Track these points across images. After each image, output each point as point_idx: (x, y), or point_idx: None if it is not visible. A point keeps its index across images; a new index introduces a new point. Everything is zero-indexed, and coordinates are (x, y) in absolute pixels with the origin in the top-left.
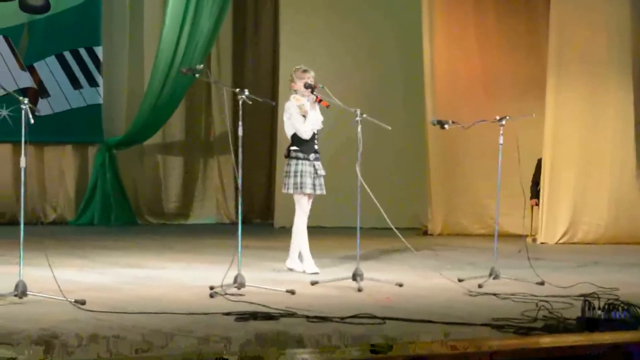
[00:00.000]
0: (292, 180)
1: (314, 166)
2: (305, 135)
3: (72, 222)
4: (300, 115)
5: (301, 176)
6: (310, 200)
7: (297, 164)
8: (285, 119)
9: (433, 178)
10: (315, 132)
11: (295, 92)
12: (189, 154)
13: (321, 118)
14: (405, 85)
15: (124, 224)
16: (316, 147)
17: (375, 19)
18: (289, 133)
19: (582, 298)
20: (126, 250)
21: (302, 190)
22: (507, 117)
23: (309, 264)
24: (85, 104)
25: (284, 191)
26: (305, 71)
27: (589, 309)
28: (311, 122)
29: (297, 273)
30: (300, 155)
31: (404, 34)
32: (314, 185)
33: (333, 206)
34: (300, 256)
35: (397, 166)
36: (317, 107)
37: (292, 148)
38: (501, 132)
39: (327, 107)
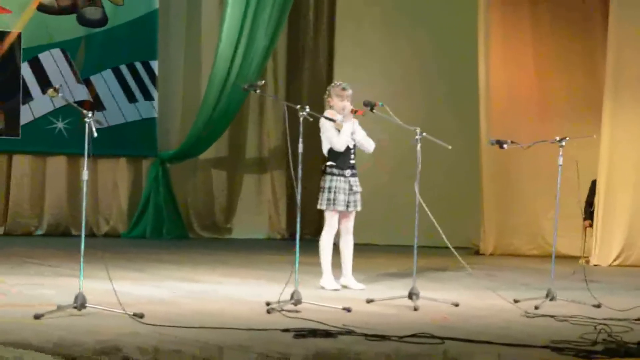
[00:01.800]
0: (325, 196)
1: (349, 182)
2: (339, 146)
3: (125, 234)
4: (334, 129)
5: (335, 192)
6: (352, 217)
7: (331, 180)
8: (321, 135)
9: (486, 198)
10: (351, 147)
11: (331, 107)
12: (242, 168)
13: (363, 133)
14: (457, 103)
15: (175, 237)
16: (352, 162)
17: (429, 36)
18: (325, 148)
19: None
20: (180, 264)
21: (335, 207)
22: (567, 138)
23: (329, 280)
24: (140, 118)
25: (318, 207)
26: (344, 89)
27: None
28: (346, 133)
29: (352, 290)
30: (335, 171)
31: (457, 52)
32: (347, 202)
33: (384, 223)
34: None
35: (449, 184)
36: (352, 121)
37: (328, 163)
38: (561, 152)
39: (363, 114)
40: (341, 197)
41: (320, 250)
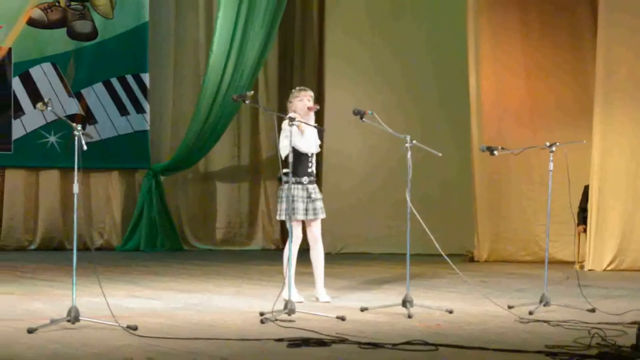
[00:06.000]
0: (283, 206)
1: (307, 190)
2: (307, 147)
3: (119, 247)
4: (298, 133)
5: (293, 201)
6: (316, 225)
7: (288, 189)
8: (281, 139)
9: (479, 204)
10: (310, 155)
11: (294, 112)
12: (236, 179)
13: (319, 141)
14: (448, 111)
15: (169, 249)
16: (310, 169)
17: (418, 45)
18: (283, 154)
19: (635, 325)
20: (174, 275)
21: (294, 216)
22: (557, 143)
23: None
24: (132, 130)
25: (277, 217)
26: (301, 90)
27: None
28: (309, 134)
29: (348, 300)
30: (292, 179)
31: (447, 60)
32: (306, 210)
33: (377, 232)
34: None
35: (442, 192)
36: (309, 127)
37: (284, 171)
38: (551, 158)
39: (317, 108)
40: (300, 206)
41: (284, 262)
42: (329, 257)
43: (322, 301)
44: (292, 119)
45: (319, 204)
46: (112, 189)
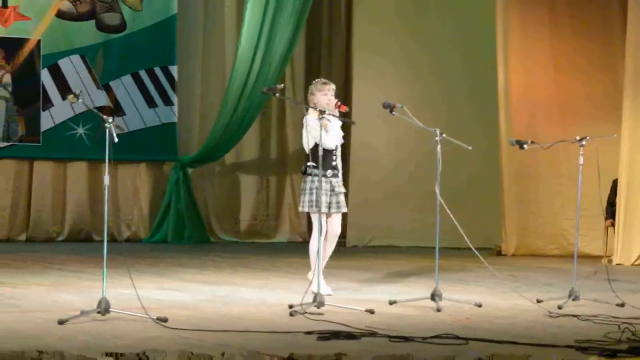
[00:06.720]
0: (306, 198)
1: (330, 183)
2: (330, 143)
3: (146, 239)
4: (321, 128)
5: (316, 194)
6: (336, 219)
7: (312, 181)
8: (304, 133)
9: (507, 198)
10: (334, 148)
11: (315, 105)
12: (263, 172)
13: (341, 133)
14: (477, 105)
15: (197, 241)
16: (334, 163)
17: (448, 38)
18: (307, 147)
19: None
20: (202, 267)
21: (317, 209)
22: (588, 137)
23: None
24: (160, 123)
25: (300, 209)
26: (325, 83)
27: None
28: (334, 129)
29: (376, 293)
30: (316, 171)
31: (476, 54)
32: (329, 203)
33: (405, 225)
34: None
35: (469, 186)
36: (336, 121)
37: (309, 164)
38: (581, 152)
39: (346, 110)
40: (323, 199)
41: (310, 254)
42: (357, 250)
43: (324, 294)
44: (322, 112)
45: (342, 198)
46: (139, 181)
